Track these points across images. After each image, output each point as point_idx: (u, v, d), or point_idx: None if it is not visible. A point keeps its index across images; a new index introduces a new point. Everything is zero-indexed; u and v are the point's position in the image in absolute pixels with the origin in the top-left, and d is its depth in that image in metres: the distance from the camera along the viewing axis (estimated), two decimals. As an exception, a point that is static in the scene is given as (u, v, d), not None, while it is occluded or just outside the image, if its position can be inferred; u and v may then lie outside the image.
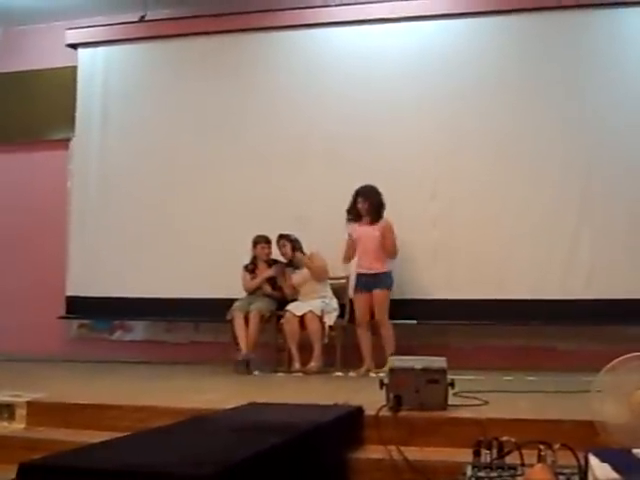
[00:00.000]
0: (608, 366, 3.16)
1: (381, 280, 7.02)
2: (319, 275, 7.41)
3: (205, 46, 8.60)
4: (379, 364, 6.54)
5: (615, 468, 2.06)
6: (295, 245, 7.47)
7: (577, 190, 7.36)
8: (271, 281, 7.63)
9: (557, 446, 2.36)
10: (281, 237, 7.54)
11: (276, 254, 7.66)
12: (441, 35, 7.91)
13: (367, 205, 7.10)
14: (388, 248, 7.05)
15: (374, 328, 7.03)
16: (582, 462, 2.37)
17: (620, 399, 3.12)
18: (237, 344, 7.25)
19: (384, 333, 6.93)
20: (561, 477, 2.23)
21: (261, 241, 7.62)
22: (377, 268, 7.04)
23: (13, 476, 2.47)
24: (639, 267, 7.10)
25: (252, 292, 7.58)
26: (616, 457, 2.14)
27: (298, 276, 7.49)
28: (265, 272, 7.61)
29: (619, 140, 7.32)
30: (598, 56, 7.51)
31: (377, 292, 6.99)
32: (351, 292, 7.27)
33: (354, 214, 7.18)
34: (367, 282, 7.04)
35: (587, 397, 3.49)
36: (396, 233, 7.11)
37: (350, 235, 7.18)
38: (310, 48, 8.30)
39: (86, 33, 8.95)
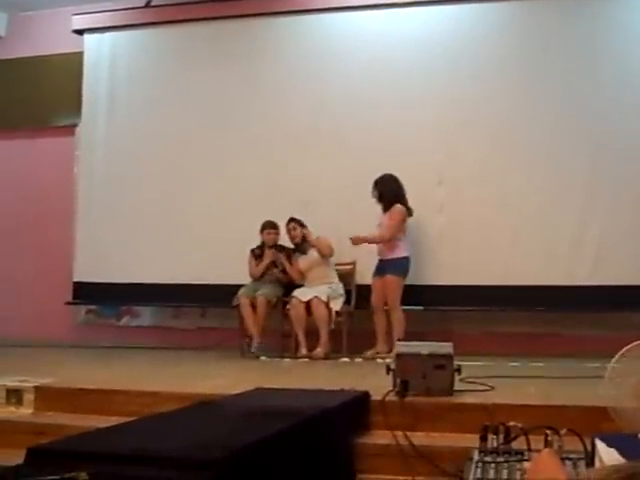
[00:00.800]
0: (620, 352, 3.16)
1: (392, 266, 7.07)
2: (322, 251, 7.41)
3: (211, 31, 8.58)
4: (388, 349, 6.58)
5: (622, 453, 2.07)
6: (304, 230, 7.50)
7: (583, 176, 7.33)
8: (280, 265, 7.64)
9: (564, 431, 2.36)
10: (291, 220, 7.55)
11: (283, 240, 7.66)
12: (447, 20, 7.85)
13: (377, 194, 7.20)
14: (389, 228, 7.07)
15: (386, 314, 7.06)
16: (589, 447, 2.37)
17: (630, 385, 3.12)
18: (244, 330, 7.26)
19: (393, 319, 6.97)
20: (568, 462, 2.23)
21: (267, 226, 7.61)
22: (387, 254, 7.10)
23: (21, 460, 2.49)
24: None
25: (259, 278, 7.59)
26: (623, 442, 2.14)
27: (305, 261, 7.50)
28: (267, 257, 7.60)
29: (626, 126, 7.28)
30: (606, 41, 7.46)
31: (387, 277, 7.05)
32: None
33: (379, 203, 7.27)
34: (381, 267, 7.15)
35: (599, 383, 3.49)
36: (407, 220, 7.18)
37: None
38: (316, 33, 8.28)
39: (92, 19, 8.93)
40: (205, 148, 8.40)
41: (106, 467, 2.30)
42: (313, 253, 7.46)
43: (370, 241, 7.12)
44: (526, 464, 2.12)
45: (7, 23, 9.61)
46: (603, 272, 7.13)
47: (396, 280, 7.05)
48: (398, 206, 7.13)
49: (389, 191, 7.18)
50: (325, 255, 7.43)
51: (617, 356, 3.14)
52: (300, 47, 8.29)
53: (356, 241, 7.08)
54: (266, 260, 7.58)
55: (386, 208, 7.17)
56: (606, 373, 3.19)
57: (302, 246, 7.52)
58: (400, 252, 7.13)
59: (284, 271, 7.60)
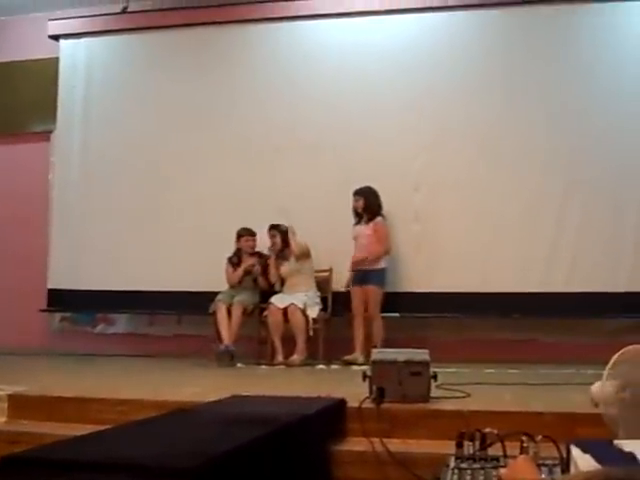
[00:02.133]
0: (613, 358, 3.19)
1: (374, 277, 7.16)
2: (300, 250, 7.40)
3: (188, 38, 8.58)
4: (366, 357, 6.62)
5: (597, 459, 2.08)
6: (285, 237, 7.49)
7: (559, 184, 7.40)
8: (252, 274, 7.62)
9: (539, 437, 2.37)
10: (272, 227, 7.55)
11: (260, 246, 7.65)
12: (426, 28, 7.93)
13: (361, 203, 7.28)
14: (382, 242, 7.19)
15: (365, 321, 7.10)
16: (564, 453, 2.38)
17: (611, 391, 3.15)
18: (219, 336, 7.25)
19: (375, 327, 7.04)
20: (543, 468, 2.24)
21: (245, 234, 7.62)
22: (368, 265, 7.15)
23: (-5, 469, 2.46)
24: (619, 261, 7.16)
25: (236, 284, 7.57)
26: (598, 448, 2.16)
27: (286, 267, 7.49)
28: (247, 263, 7.58)
29: (602, 135, 7.36)
30: (583, 51, 7.55)
31: (370, 288, 7.14)
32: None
33: (355, 215, 7.35)
34: (361, 277, 7.20)
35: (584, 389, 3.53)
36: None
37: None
38: (295, 41, 8.29)
39: (68, 24, 8.90)
40: (181, 155, 8.38)
41: (81, 475, 2.28)
42: (294, 260, 7.46)
43: (373, 259, 7.17)
44: (502, 470, 2.11)
45: (-18, 29, 9.55)
46: (578, 279, 7.19)
47: (379, 291, 7.16)
48: (380, 219, 7.26)
49: (373, 203, 7.29)
50: (302, 255, 7.41)
51: (611, 362, 3.16)
52: (276, 55, 8.30)
53: (358, 265, 7.15)
54: (247, 264, 7.56)
55: (369, 219, 7.24)
56: (602, 379, 3.22)
57: (283, 253, 7.50)
58: (382, 263, 7.23)
59: (264, 273, 7.58)
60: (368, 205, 7.28)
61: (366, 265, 7.18)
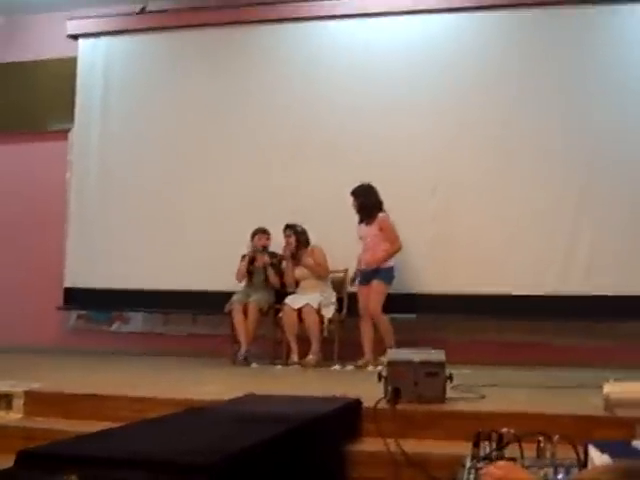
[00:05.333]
0: None
1: (382, 274, 7.05)
2: (319, 274, 7.41)
3: (206, 38, 8.60)
4: (375, 359, 6.61)
5: (615, 459, 2.07)
6: (300, 238, 7.47)
7: (577, 185, 7.36)
8: (274, 268, 7.61)
9: (556, 438, 2.36)
10: (287, 227, 7.53)
11: (274, 246, 7.66)
12: (442, 29, 7.91)
13: (357, 204, 7.21)
14: (391, 240, 7.06)
15: (373, 321, 7.03)
16: (581, 454, 2.37)
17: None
18: (236, 337, 7.25)
19: (381, 327, 6.93)
20: (560, 469, 2.23)
21: (258, 232, 7.62)
22: (376, 264, 7.06)
23: (10, 465, 2.47)
24: (636, 264, 7.11)
25: (249, 282, 7.57)
26: (616, 448, 2.15)
27: (300, 270, 7.49)
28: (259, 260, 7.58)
29: (620, 135, 7.32)
30: (601, 51, 7.52)
31: (374, 283, 7.03)
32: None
33: (357, 214, 7.26)
34: (367, 275, 7.10)
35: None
36: (395, 227, 7.13)
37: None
38: (312, 41, 8.30)
39: (87, 24, 8.94)
40: (198, 154, 8.40)
41: (96, 471, 2.28)
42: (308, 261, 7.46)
43: (388, 257, 7.08)
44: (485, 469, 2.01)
45: (2, 27, 9.59)
46: (594, 282, 7.15)
47: (382, 286, 7.03)
48: (382, 214, 7.13)
49: (369, 201, 7.18)
50: (321, 278, 7.41)
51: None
52: (293, 55, 8.31)
53: (369, 265, 7.07)
54: (247, 259, 7.55)
55: (367, 219, 7.16)
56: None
57: (297, 254, 7.50)
58: (389, 261, 7.12)
59: (279, 274, 7.58)
60: (362, 204, 7.17)
61: (372, 264, 7.06)
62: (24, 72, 9.29)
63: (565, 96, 7.49)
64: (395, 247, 7.10)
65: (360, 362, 6.86)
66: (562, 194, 7.38)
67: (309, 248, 7.48)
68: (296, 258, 7.49)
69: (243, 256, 7.64)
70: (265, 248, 7.65)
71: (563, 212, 7.36)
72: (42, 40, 9.29)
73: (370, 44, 8.04)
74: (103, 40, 8.95)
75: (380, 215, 7.12)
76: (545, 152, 7.45)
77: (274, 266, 7.57)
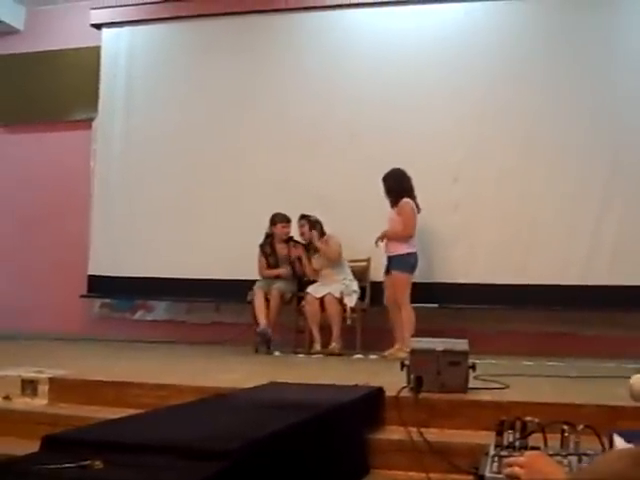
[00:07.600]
0: None
1: (396, 262, 6.97)
2: (329, 258, 7.39)
3: (228, 27, 8.60)
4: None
5: None
6: (313, 226, 7.46)
7: (601, 175, 7.30)
8: (293, 263, 7.62)
9: (581, 427, 2.34)
10: (302, 217, 7.54)
11: (295, 233, 7.66)
12: (464, 18, 7.86)
13: (385, 188, 7.14)
14: (403, 224, 6.95)
15: (398, 311, 6.99)
16: (606, 444, 2.35)
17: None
18: (256, 321, 7.26)
19: (403, 314, 6.86)
20: (585, 458, 2.22)
21: (281, 220, 7.59)
22: (392, 250, 7.02)
23: (36, 450, 2.49)
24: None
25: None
26: (640, 438, 2.13)
27: (317, 260, 7.49)
28: (279, 270, 7.57)
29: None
30: (627, 38, 7.44)
31: (393, 274, 7.00)
32: None
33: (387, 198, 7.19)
34: (388, 264, 7.08)
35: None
36: (417, 216, 7.05)
37: None
38: (335, 29, 8.28)
39: (110, 13, 8.98)
40: (220, 143, 8.42)
41: (121, 456, 2.29)
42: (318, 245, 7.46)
43: (388, 237, 7.01)
44: (517, 469, 1.87)
45: (25, 17, 9.66)
46: (620, 272, 7.09)
47: (402, 276, 6.94)
48: (405, 200, 7.03)
49: (396, 185, 7.10)
50: (332, 261, 7.41)
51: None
52: (317, 44, 8.30)
53: (379, 239, 7.02)
54: (277, 272, 7.55)
55: (394, 202, 7.09)
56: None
57: (313, 245, 7.50)
58: (404, 248, 6.98)
59: (296, 267, 7.60)
60: (388, 188, 7.10)
61: (390, 250, 6.99)
62: (48, 62, 9.35)
63: (592, 84, 7.42)
64: (403, 233, 6.95)
65: (387, 352, 6.81)
66: (587, 183, 7.32)
67: (324, 238, 7.46)
68: (312, 249, 7.50)
69: (261, 247, 7.63)
70: (291, 238, 7.64)
71: (588, 201, 7.30)
72: (66, 30, 9.35)
73: (392, 33, 8.00)
74: (126, 29, 8.99)
75: (403, 200, 7.04)
76: (571, 141, 7.39)
77: (299, 259, 7.60)
